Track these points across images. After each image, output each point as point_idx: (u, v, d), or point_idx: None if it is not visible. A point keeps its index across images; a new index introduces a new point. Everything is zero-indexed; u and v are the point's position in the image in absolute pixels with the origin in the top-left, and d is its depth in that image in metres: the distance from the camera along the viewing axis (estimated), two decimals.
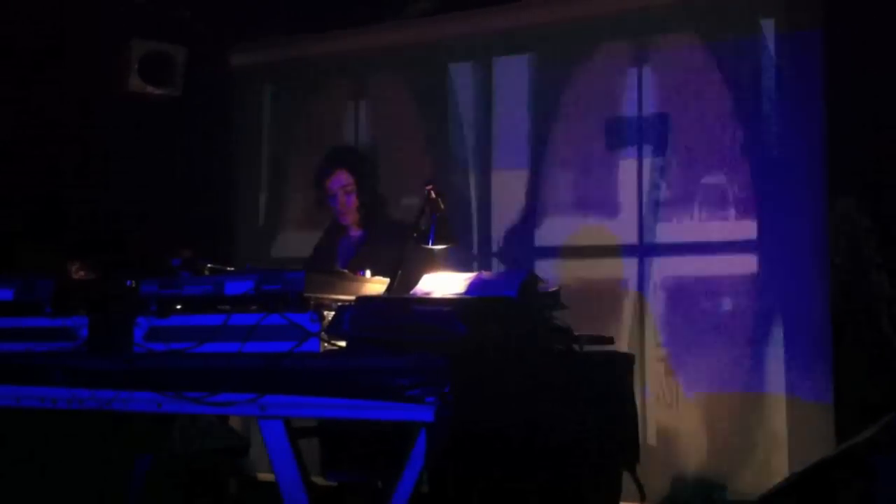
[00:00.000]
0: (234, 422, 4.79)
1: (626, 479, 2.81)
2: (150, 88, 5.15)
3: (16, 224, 4.83)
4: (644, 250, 4.59)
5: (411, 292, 2.96)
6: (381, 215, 3.92)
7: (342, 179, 3.81)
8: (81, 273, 3.46)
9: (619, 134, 4.70)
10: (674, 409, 4.32)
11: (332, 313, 2.75)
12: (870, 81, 4.06)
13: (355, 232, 3.90)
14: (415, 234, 3.27)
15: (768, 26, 4.39)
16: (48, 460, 3.27)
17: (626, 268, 4.61)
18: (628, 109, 4.70)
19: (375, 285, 3.08)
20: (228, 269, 3.05)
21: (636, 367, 2.94)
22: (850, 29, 4.12)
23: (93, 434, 3.23)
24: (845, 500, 3.06)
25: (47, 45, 4.98)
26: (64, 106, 5.06)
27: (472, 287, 2.83)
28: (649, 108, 4.64)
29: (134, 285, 2.92)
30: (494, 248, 4.92)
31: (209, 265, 2.94)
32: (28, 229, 4.86)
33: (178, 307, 2.89)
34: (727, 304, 4.37)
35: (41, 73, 4.98)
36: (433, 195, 3.26)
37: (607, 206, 4.70)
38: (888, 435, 3.19)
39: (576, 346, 2.78)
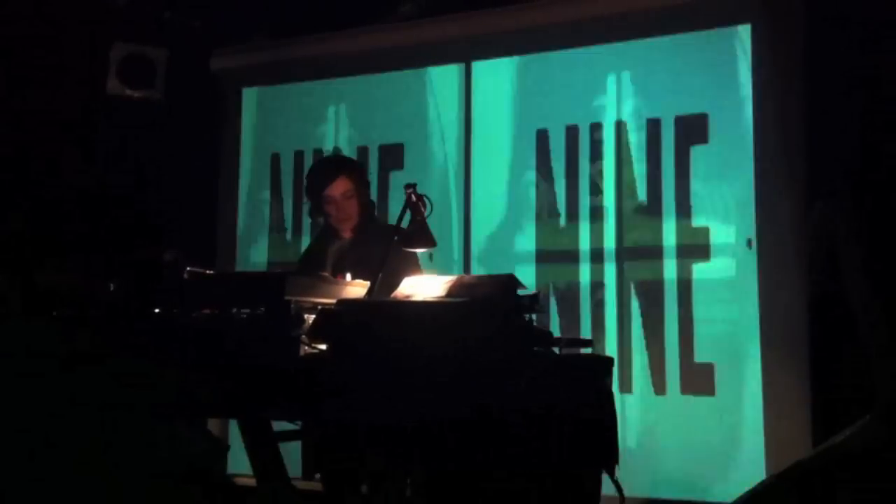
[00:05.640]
0: (213, 425, 4.78)
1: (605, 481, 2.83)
2: (129, 91, 5.13)
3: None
4: (621, 254, 4.60)
5: (392, 295, 2.96)
6: (371, 220, 3.92)
7: (343, 185, 3.77)
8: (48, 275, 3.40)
9: (599, 139, 4.73)
10: (652, 410, 4.34)
11: (313, 316, 2.76)
12: (850, 83, 4.10)
13: (346, 236, 3.89)
14: (395, 238, 3.27)
15: (746, 29, 4.42)
16: None
17: (606, 272, 4.62)
18: (608, 114, 4.72)
19: (356, 289, 3.08)
20: (208, 271, 3.04)
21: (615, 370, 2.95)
22: (830, 31, 4.15)
23: None
24: (845, 500, 3.07)
25: (38, 49, 4.99)
26: (51, 110, 5.05)
27: (453, 290, 2.83)
28: (628, 114, 4.66)
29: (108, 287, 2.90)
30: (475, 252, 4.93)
31: (189, 268, 2.93)
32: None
33: (157, 310, 2.89)
34: (704, 306, 4.39)
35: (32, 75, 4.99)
36: (413, 198, 3.26)
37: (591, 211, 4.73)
38: (868, 434, 3.21)
39: (555, 349, 2.80)
